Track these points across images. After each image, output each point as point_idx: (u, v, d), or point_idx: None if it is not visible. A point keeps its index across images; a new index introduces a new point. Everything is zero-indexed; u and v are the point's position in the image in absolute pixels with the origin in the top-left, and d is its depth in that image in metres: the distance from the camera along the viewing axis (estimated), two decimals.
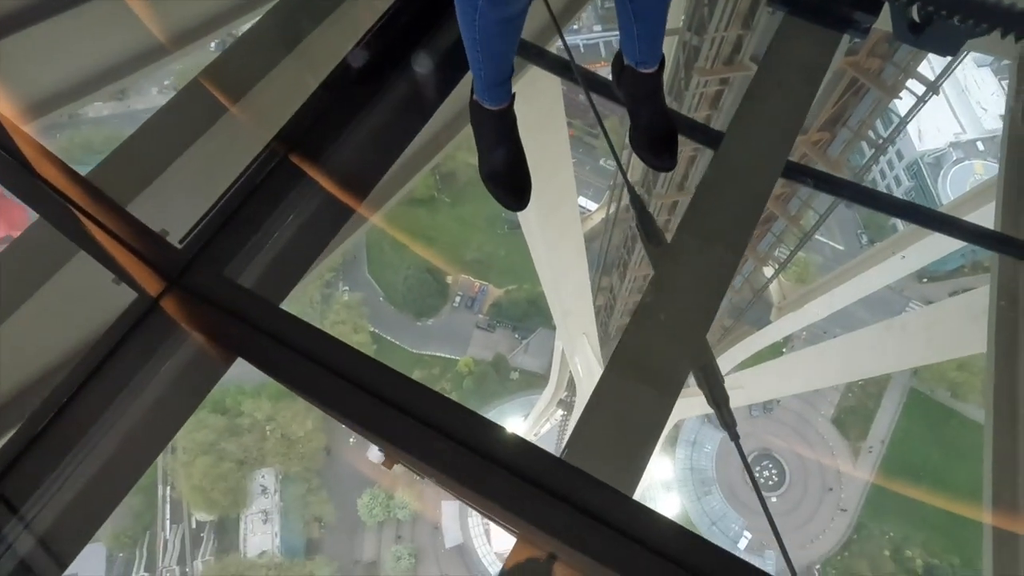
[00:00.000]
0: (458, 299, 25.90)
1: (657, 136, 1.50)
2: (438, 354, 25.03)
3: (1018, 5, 1.57)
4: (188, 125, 1.73)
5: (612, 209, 12.02)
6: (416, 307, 25.30)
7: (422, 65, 1.67)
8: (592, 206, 22.24)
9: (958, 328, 5.26)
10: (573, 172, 7.30)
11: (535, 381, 24.56)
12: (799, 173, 2.15)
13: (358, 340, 22.75)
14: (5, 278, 1.62)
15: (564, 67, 2.09)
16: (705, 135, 2.09)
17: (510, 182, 1.47)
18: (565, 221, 7.78)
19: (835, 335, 15.20)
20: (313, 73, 1.64)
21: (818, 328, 19.07)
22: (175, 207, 1.57)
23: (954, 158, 25.02)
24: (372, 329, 24.59)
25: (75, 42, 2.38)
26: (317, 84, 1.61)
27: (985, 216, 2.91)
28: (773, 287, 10.30)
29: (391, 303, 25.48)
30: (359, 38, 1.67)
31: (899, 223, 16.58)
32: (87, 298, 1.53)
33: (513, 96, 1.40)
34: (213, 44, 3.61)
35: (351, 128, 1.60)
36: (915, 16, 1.76)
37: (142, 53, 2.67)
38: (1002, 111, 1.91)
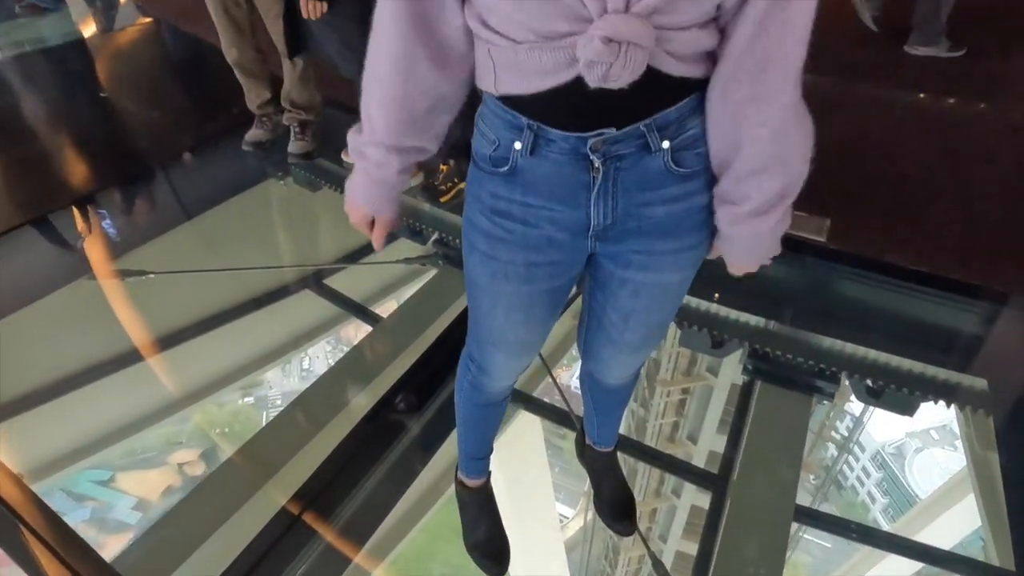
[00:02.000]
0: None
1: (616, 504, 1.61)
2: None
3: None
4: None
5: (590, 516, 11.64)
6: None
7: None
8: (567, 511, 21.47)
9: None
10: (553, 497, 7.28)
11: None
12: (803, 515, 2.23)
13: None
14: None
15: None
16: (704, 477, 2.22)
17: (488, 551, 1.54)
18: (545, 540, 7.48)
19: None
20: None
21: None
22: None
23: (913, 447, 25.71)
24: None
25: (83, 413, 2.49)
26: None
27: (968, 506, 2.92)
28: None
29: None
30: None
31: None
32: None
33: (489, 473, 1.51)
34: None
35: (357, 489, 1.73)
36: (870, 383, 2.05)
37: (152, 413, 2.80)
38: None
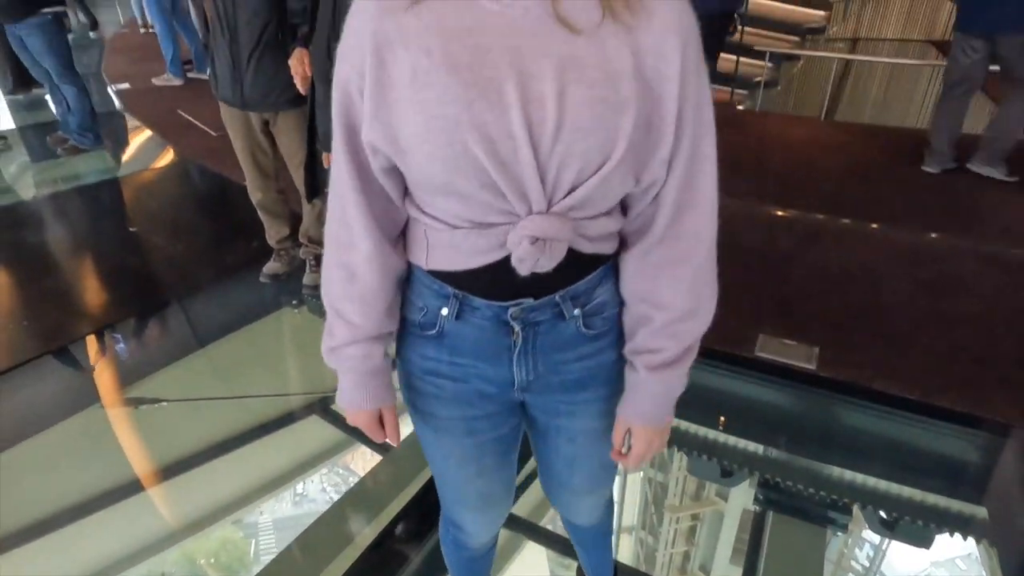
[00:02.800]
0: None
1: None
2: None
3: None
4: None
5: None
6: None
7: None
8: None
9: None
10: None
11: None
12: None
13: None
14: None
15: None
16: None
17: None
18: None
19: None
20: None
21: None
22: None
23: None
24: None
25: (77, 547, 2.43)
26: None
27: None
28: None
29: None
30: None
31: None
32: None
33: None
34: None
35: None
36: (884, 516, 2.02)
37: (151, 545, 2.73)
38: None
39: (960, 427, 2.20)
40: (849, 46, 6.85)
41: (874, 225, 3.46)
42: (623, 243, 0.92)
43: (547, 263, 0.82)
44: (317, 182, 2.59)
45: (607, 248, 0.90)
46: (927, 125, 4.41)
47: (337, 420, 2.70)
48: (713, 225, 0.87)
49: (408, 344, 0.98)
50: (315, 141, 2.46)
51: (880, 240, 3.34)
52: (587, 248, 0.86)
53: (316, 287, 3.08)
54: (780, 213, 3.65)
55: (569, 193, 0.78)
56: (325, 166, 2.35)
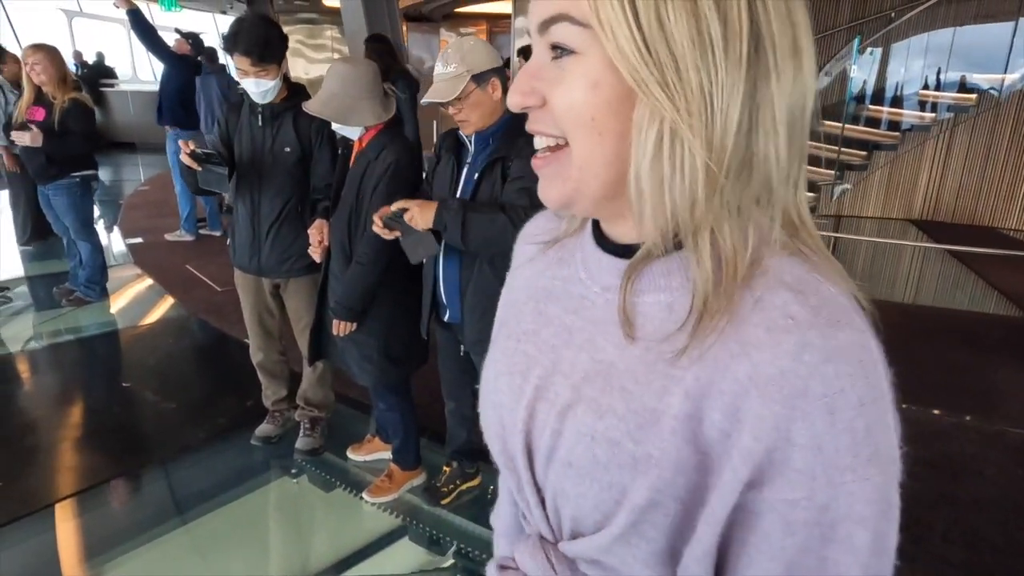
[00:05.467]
0: None
1: None
2: None
3: None
4: None
5: None
6: None
7: None
8: None
9: None
10: None
11: None
12: None
13: None
14: None
15: None
16: None
17: None
18: None
19: None
20: None
21: None
22: None
23: None
24: None
25: None
26: None
27: None
28: None
29: None
30: None
31: None
32: None
33: None
34: None
35: None
36: None
37: None
38: None
39: None
40: (833, 223, 7.28)
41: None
42: None
43: None
44: (321, 347, 2.60)
45: None
46: (914, 301, 4.55)
47: None
48: None
49: None
50: (324, 306, 2.50)
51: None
52: None
53: (309, 451, 3.01)
54: None
55: (574, 538, 0.59)
56: (334, 333, 2.36)
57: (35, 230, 5.85)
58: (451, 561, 2.49)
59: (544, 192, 0.56)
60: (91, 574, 2.41)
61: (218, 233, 6.19)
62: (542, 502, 0.60)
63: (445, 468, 2.74)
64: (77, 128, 4.02)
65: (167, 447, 3.11)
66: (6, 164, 5.37)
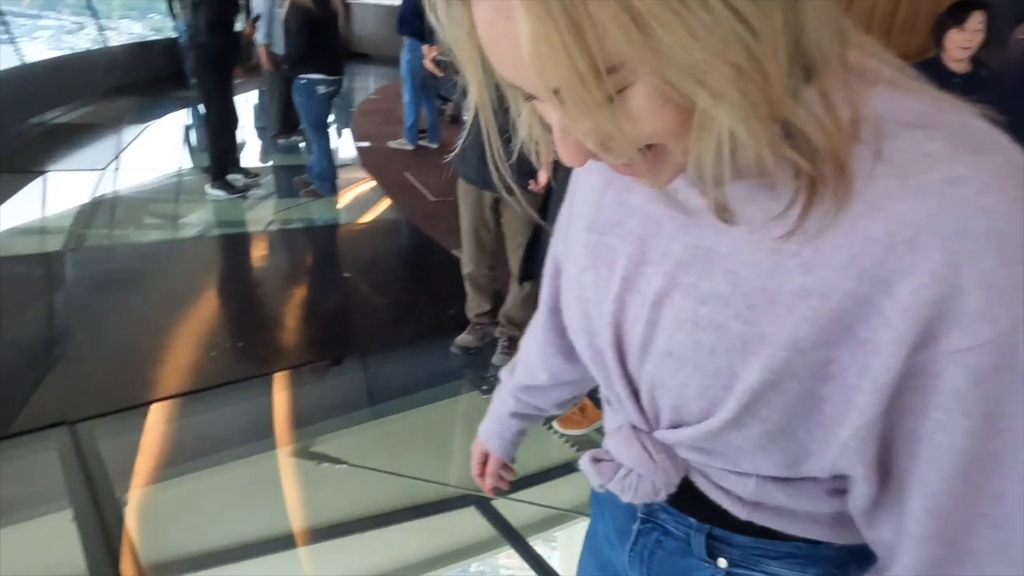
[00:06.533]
0: None
1: None
2: None
3: None
4: None
5: None
6: None
7: None
8: None
9: None
10: None
11: None
12: None
13: None
14: None
15: None
16: None
17: None
18: None
19: None
20: None
21: None
22: None
23: None
24: None
25: None
26: None
27: None
28: None
29: None
30: None
31: None
32: None
33: None
34: None
35: None
36: None
37: None
38: None
39: None
40: None
41: None
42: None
43: (645, 494, 0.62)
44: (534, 266, 2.51)
45: (792, 528, 0.60)
46: None
47: (495, 518, 2.51)
48: None
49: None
50: (543, 224, 2.39)
51: None
52: (741, 513, 0.61)
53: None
54: None
55: (675, 427, 0.58)
56: None
57: (284, 124, 6.47)
58: None
59: (655, 185, 0.48)
60: (296, 445, 2.62)
61: (435, 145, 6.42)
62: (634, 394, 0.60)
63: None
64: (292, 27, 4.36)
65: (375, 339, 3.31)
66: (264, 60, 5.94)
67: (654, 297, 0.54)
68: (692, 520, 0.67)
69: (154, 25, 9.91)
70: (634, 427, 0.62)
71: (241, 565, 2.14)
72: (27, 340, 2.98)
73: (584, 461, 0.66)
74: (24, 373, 2.73)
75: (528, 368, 0.89)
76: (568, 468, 2.56)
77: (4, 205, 4.53)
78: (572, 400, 0.94)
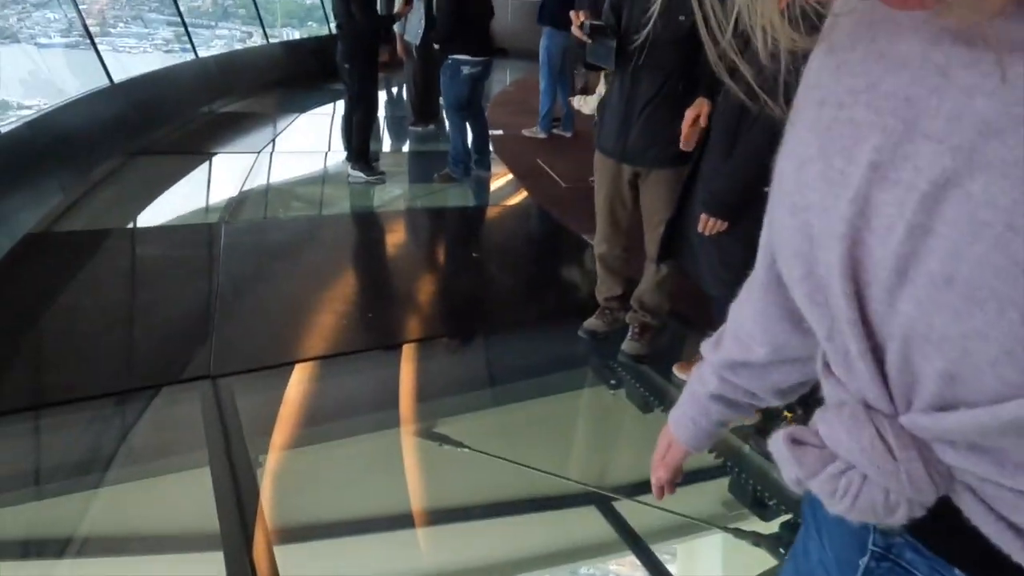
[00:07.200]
0: None
1: None
2: None
3: None
4: None
5: None
6: None
7: None
8: None
9: None
10: None
11: None
12: None
13: None
14: None
15: None
16: None
17: None
18: None
19: None
20: None
21: None
22: None
23: None
24: None
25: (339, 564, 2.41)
26: None
27: None
28: None
29: None
30: None
31: None
32: None
33: None
34: None
35: None
36: None
37: None
38: None
39: None
40: None
41: None
42: None
43: (868, 507, 0.44)
44: (673, 245, 2.31)
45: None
46: None
47: (616, 520, 2.34)
48: None
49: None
50: (688, 202, 2.19)
51: None
52: (1007, 543, 0.41)
53: (634, 356, 2.79)
54: None
55: (942, 409, 0.38)
56: (700, 230, 2.05)
57: (420, 114, 6.64)
58: (775, 531, 2.10)
59: (973, 12, 0.33)
60: (419, 425, 2.58)
61: (569, 134, 6.33)
62: (873, 352, 0.41)
63: (787, 414, 2.30)
64: (444, 6, 4.46)
65: (501, 317, 3.25)
66: (398, 50, 6.10)
67: (929, 188, 0.35)
68: (956, 571, 0.46)
69: (311, 32, 10.89)
70: (867, 404, 0.43)
71: (359, 539, 2.14)
72: (184, 300, 3.21)
73: (777, 441, 0.49)
74: (179, 328, 2.94)
75: (740, 339, 0.68)
76: (704, 474, 2.33)
77: (178, 183, 5.03)
78: (801, 387, 0.68)
